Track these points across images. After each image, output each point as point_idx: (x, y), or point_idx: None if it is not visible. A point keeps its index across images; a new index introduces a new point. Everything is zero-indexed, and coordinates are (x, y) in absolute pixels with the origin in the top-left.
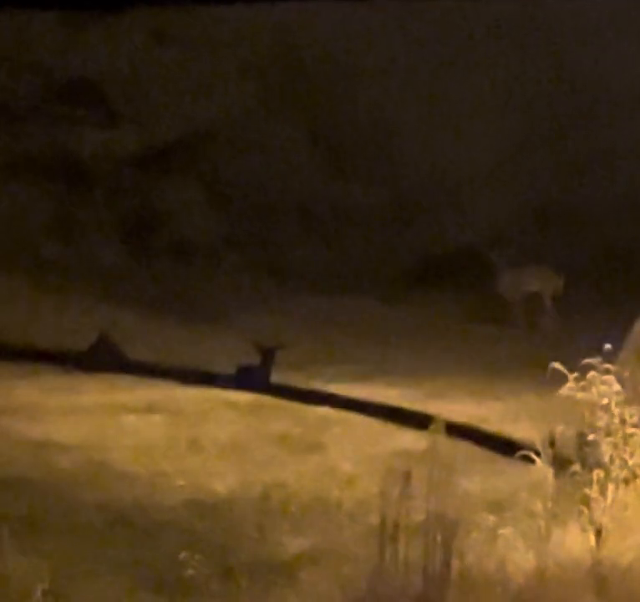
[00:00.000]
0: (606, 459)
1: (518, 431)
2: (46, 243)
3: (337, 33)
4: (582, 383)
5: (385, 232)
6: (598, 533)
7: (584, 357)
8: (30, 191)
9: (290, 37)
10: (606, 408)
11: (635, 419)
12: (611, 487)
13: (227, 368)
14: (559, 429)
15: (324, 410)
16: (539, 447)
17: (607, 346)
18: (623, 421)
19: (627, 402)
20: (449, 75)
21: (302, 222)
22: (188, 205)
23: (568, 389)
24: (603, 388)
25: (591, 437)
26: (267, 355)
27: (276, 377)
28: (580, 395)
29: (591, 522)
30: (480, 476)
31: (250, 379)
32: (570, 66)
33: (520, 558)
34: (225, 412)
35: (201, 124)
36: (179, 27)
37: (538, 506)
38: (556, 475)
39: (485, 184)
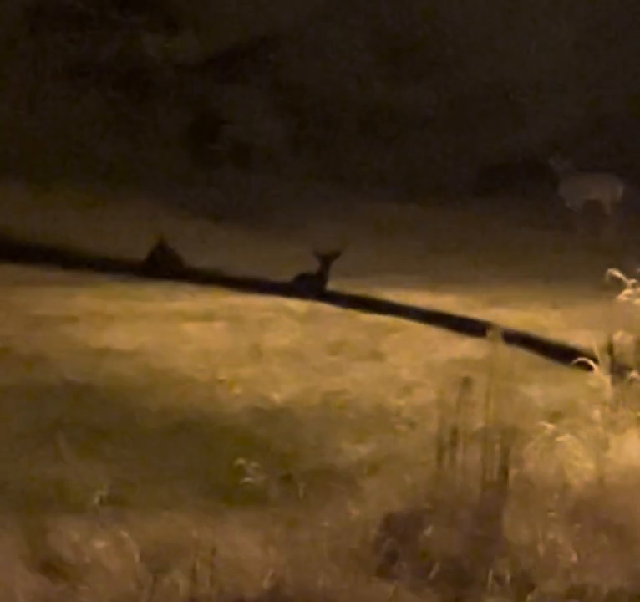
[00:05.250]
0: None
1: (576, 338)
2: (106, 150)
3: None
4: None
5: (446, 138)
6: None
7: None
8: (91, 97)
9: None
10: None
11: None
12: None
13: (287, 275)
14: (617, 336)
15: (382, 318)
16: (597, 354)
17: None
18: None
19: None
20: None
21: (364, 128)
22: (250, 111)
23: (626, 295)
24: None
25: None
26: (325, 263)
27: (334, 285)
28: (638, 301)
29: None
30: (539, 383)
31: (307, 286)
32: None
33: (579, 466)
34: (284, 320)
35: (263, 30)
36: None
37: (596, 413)
38: (615, 382)
39: (546, 90)
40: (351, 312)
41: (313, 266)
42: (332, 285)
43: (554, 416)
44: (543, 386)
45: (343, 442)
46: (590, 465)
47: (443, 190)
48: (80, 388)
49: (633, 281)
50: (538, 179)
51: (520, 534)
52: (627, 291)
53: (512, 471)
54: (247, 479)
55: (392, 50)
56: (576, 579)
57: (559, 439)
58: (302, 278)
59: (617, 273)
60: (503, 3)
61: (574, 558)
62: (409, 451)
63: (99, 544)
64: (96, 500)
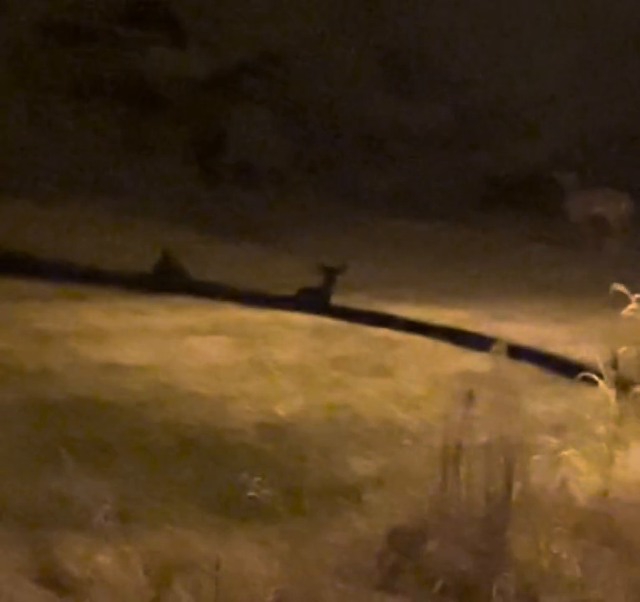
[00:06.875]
0: None
1: (581, 352)
2: (113, 165)
3: None
4: None
5: (451, 153)
6: None
7: None
8: (97, 112)
9: None
10: None
11: None
12: None
13: (291, 290)
14: (622, 350)
15: (387, 333)
16: (602, 369)
17: None
18: None
19: None
20: None
21: (369, 145)
22: (256, 127)
23: (631, 310)
24: None
25: None
26: (329, 277)
27: (339, 299)
28: None
29: None
30: (543, 397)
31: (312, 300)
32: None
33: (584, 481)
34: (289, 334)
35: (270, 47)
36: None
37: (601, 428)
38: (619, 397)
39: (550, 105)
40: (356, 326)
41: (317, 280)
42: (336, 299)
43: (558, 431)
44: (548, 401)
45: (349, 457)
46: (594, 479)
47: (448, 205)
48: (85, 402)
49: (638, 296)
50: (543, 194)
51: (524, 549)
52: (632, 306)
53: (517, 486)
54: (253, 494)
55: (398, 67)
56: (581, 594)
57: (563, 453)
58: (306, 291)
59: (622, 288)
60: (508, 20)
61: (578, 573)
62: (415, 465)
63: (104, 559)
64: (101, 515)
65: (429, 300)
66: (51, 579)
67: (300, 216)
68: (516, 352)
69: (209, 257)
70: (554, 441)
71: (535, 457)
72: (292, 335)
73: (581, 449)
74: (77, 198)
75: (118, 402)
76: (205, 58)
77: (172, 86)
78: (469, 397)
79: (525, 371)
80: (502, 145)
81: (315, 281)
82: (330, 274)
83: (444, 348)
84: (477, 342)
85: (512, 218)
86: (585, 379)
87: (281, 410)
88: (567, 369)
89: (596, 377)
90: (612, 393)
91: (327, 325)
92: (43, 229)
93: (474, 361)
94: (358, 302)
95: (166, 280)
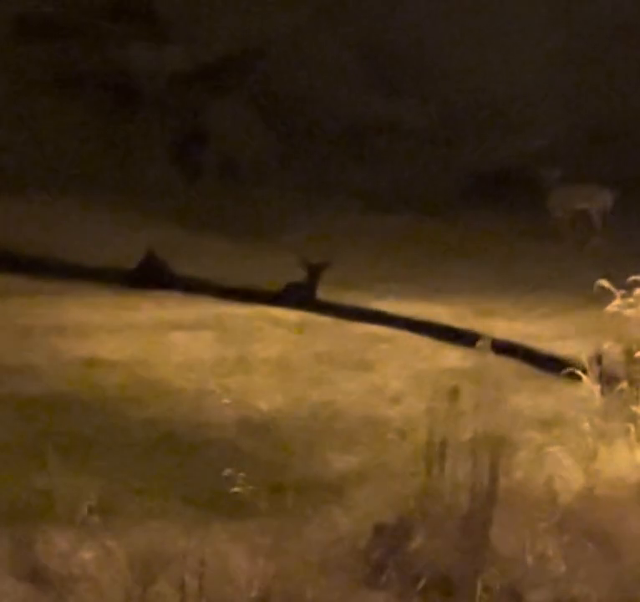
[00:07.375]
0: None
1: (565, 348)
2: (94, 160)
3: None
4: (630, 300)
5: (434, 149)
6: None
7: (632, 274)
8: (79, 108)
9: None
10: None
11: None
12: None
13: (275, 285)
14: (606, 346)
15: (371, 328)
16: (586, 365)
17: None
18: None
19: None
20: None
21: (352, 140)
22: (237, 122)
23: (616, 306)
24: None
25: (638, 354)
26: (314, 272)
27: (323, 294)
28: (627, 312)
29: (639, 439)
30: (528, 393)
31: (296, 296)
32: None
33: (568, 476)
34: (272, 330)
35: (252, 42)
36: None
37: (585, 424)
38: (604, 392)
39: (534, 101)
40: (340, 322)
41: (300, 275)
42: (321, 295)
43: (543, 427)
44: (532, 396)
45: (332, 452)
46: (579, 475)
47: (432, 201)
48: (68, 398)
49: (622, 291)
50: (527, 189)
51: (508, 545)
52: (616, 301)
53: (501, 482)
54: (235, 489)
55: (380, 62)
56: (565, 590)
57: (548, 449)
58: (291, 287)
59: (606, 284)
60: (492, 16)
61: (563, 569)
62: (398, 461)
63: (87, 554)
64: (84, 510)
65: (413, 295)
66: (34, 575)
67: (283, 211)
68: (501, 348)
69: (192, 252)
70: (539, 437)
71: (520, 453)
72: (276, 331)
73: (565, 445)
74: (59, 194)
75: (100, 398)
76: (187, 53)
77: (154, 81)
78: (454, 393)
79: (509, 367)
80: (486, 141)
81: (300, 277)
82: (315, 270)
83: (429, 343)
84: (462, 338)
85: (496, 214)
86: (570, 375)
87: (264, 406)
88: (552, 364)
89: (580, 373)
90: (596, 389)
91: (312, 321)
92: (25, 224)
93: (459, 357)
94: (343, 297)
95: (150, 276)
